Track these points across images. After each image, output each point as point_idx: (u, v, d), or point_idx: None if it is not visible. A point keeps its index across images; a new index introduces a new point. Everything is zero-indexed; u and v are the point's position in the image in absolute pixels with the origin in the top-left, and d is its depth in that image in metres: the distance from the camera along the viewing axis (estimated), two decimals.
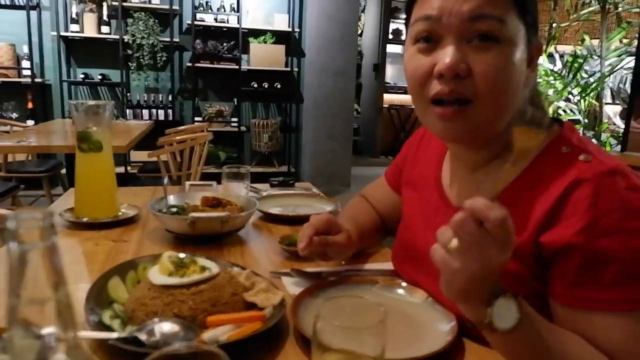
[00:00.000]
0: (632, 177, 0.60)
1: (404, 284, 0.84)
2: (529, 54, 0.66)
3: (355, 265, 0.99)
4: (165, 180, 1.21)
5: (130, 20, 4.79)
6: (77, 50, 4.92)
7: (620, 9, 2.30)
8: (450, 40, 0.63)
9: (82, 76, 4.87)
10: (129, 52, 4.84)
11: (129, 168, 4.95)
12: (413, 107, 0.73)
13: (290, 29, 5.24)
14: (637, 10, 2.24)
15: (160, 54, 4.88)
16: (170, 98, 5.14)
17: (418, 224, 0.85)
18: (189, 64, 5.10)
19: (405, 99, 7.74)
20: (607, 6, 2.33)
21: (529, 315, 0.55)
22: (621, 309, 0.57)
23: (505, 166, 0.56)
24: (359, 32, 7.82)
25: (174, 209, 1.14)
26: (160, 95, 5.15)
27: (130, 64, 4.90)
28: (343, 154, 5.37)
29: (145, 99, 5.08)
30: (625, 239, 0.56)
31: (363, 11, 7.93)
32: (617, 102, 2.54)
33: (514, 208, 0.67)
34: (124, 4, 4.77)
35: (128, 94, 5.06)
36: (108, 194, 1.22)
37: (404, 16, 0.74)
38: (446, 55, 0.62)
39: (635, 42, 2.20)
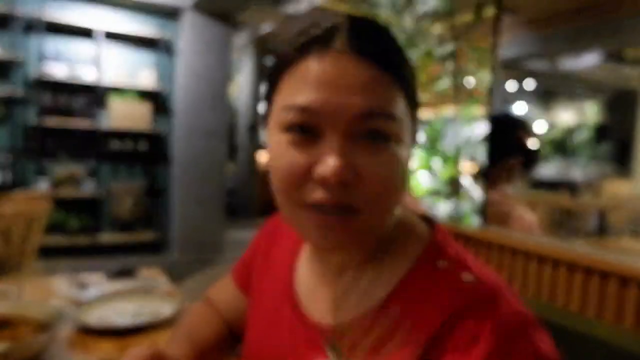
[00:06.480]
0: (513, 299, 0.52)
1: None
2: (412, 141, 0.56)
3: None
4: None
5: None
6: None
7: (470, 86, 2.50)
8: (334, 138, 0.50)
9: None
10: None
11: None
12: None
13: (157, 87, 4.94)
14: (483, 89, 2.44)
15: None
16: (7, 158, 4.43)
17: (268, 346, 0.66)
18: (34, 120, 4.49)
19: None
20: (458, 83, 2.51)
21: None
22: None
23: None
24: (235, 92, 7.76)
25: None
26: None
27: None
28: (214, 219, 5.04)
29: None
30: None
31: (238, 72, 7.92)
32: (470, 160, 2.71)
33: (388, 335, 0.54)
34: None
35: None
36: None
37: None
38: (330, 157, 0.49)
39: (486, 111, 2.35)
